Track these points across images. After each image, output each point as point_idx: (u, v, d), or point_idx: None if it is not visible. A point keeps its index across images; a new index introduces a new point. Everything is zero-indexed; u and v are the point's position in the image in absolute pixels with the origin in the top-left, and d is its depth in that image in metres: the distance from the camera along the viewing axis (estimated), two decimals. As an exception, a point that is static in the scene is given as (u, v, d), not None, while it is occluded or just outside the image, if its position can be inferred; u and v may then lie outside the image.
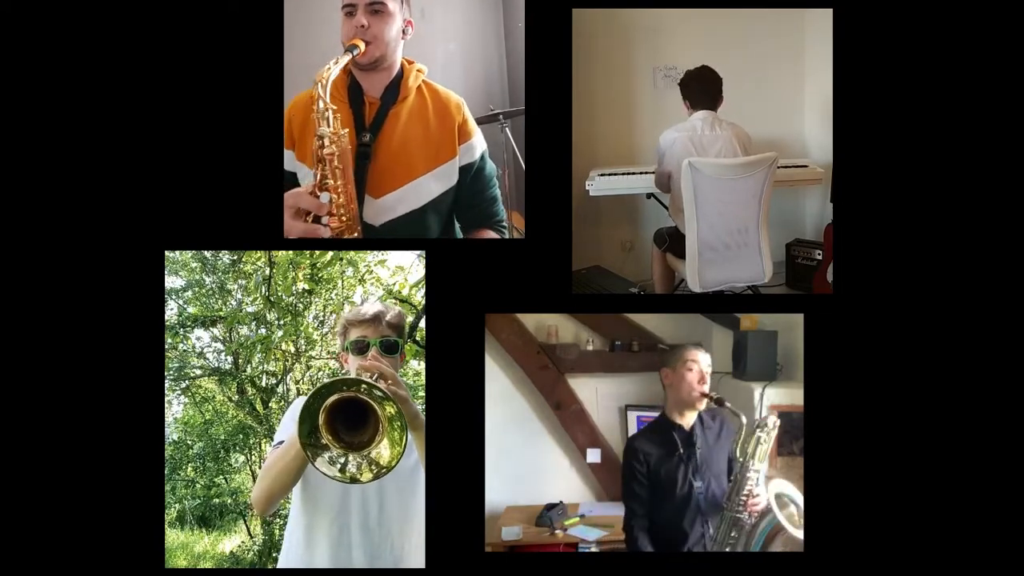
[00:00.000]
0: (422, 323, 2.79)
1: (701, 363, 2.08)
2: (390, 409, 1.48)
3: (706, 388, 2.07)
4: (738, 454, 1.98)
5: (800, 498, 2.01)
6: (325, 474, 1.50)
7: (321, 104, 1.82)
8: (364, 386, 1.48)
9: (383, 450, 1.50)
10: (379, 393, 1.48)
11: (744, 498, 1.97)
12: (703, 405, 2.07)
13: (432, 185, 1.97)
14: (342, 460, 1.50)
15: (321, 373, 3.75)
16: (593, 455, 2.76)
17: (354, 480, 1.51)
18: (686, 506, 2.05)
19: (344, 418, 1.50)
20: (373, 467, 1.51)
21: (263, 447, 3.76)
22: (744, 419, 2.00)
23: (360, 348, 1.69)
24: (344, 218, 1.87)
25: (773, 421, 1.98)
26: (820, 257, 2.99)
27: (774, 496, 1.98)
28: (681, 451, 2.07)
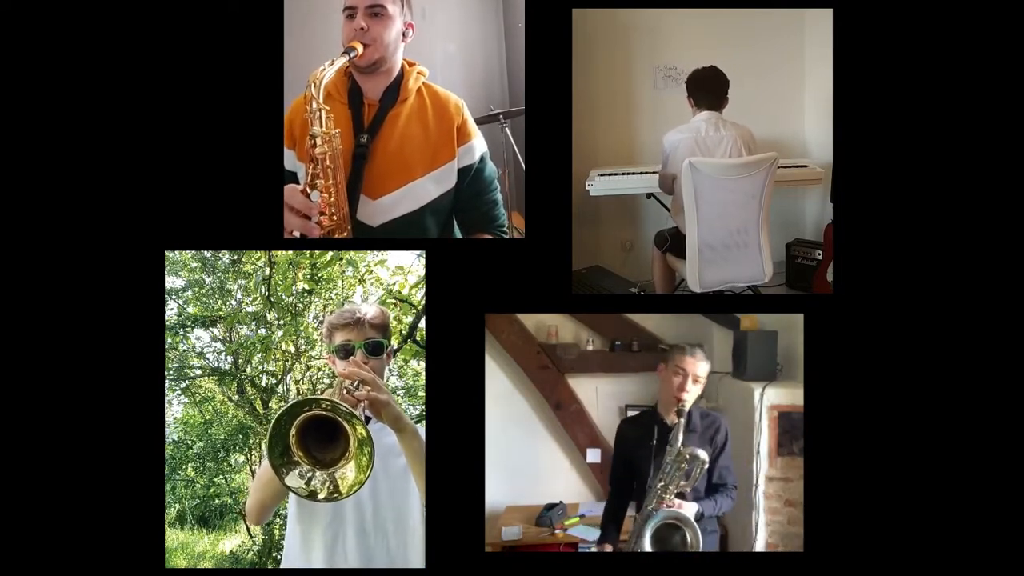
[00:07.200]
0: (422, 323, 2.79)
1: (690, 371, 2.03)
2: (361, 431, 1.49)
3: (685, 396, 2.02)
4: (664, 469, 1.97)
5: (696, 530, 1.95)
6: (290, 487, 1.51)
7: (314, 104, 1.84)
8: (326, 403, 1.48)
9: (348, 472, 1.51)
10: (345, 410, 1.48)
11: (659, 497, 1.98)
12: (673, 414, 2.04)
13: (430, 187, 1.97)
14: (309, 475, 1.51)
15: (321, 373, 3.75)
16: (593, 455, 2.76)
17: (311, 496, 1.52)
18: (641, 498, 2.05)
19: (316, 434, 1.51)
20: (331, 487, 1.51)
21: (263, 447, 3.76)
22: (680, 447, 1.96)
23: (345, 352, 1.69)
24: (334, 217, 1.88)
25: (700, 464, 1.95)
26: (820, 257, 2.99)
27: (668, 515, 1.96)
28: (654, 443, 2.06)
